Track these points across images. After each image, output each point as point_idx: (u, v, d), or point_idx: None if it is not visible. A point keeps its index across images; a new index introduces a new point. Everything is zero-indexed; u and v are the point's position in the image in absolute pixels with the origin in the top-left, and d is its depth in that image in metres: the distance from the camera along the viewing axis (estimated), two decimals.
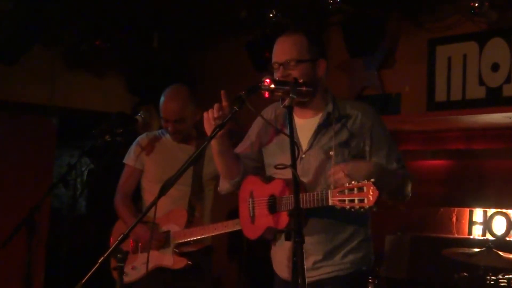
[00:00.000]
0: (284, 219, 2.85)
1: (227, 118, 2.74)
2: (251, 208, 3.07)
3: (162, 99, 4.26)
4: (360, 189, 2.55)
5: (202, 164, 4.22)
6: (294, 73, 2.90)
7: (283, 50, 2.97)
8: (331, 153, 2.88)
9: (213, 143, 3.01)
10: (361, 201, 2.54)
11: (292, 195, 2.73)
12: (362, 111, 2.97)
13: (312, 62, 2.94)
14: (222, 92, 2.91)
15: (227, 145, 3.06)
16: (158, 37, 6.22)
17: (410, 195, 2.99)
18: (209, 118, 2.89)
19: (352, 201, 2.56)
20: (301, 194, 2.71)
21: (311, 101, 2.96)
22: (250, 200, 3.08)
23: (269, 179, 3.03)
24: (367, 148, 2.93)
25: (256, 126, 3.17)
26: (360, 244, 2.98)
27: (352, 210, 2.58)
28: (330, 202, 2.65)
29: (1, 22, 5.53)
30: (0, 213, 5.79)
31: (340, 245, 2.94)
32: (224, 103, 2.87)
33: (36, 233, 4.04)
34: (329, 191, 2.67)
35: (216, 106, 2.87)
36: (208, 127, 2.90)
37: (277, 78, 2.86)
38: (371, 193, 2.53)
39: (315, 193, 2.74)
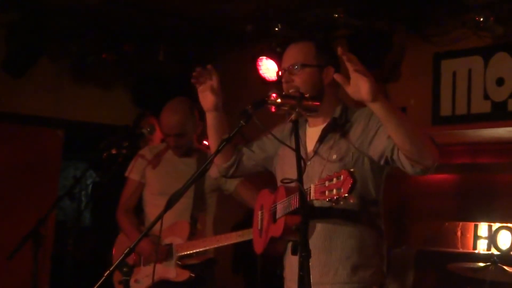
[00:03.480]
0: (280, 225, 2.79)
1: (234, 132, 2.74)
2: (260, 222, 3.05)
3: (162, 113, 4.28)
4: (338, 178, 2.43)
5: (204, 176, 4.23)
6: (298, 78, 2.90)
7: (289, 55, 2.99)
8: (334, 156, 2.85)
9: (209, 116, 3.10)
10: (338, 190, 2.41)
11: (287, 198, 2.75)
12: (366, 112, 2.88)
13: (319, 68, 2.92)
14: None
15: (222, 121, 3.11)
16: (164, 50, 6.24)
17: (435, 161, 2.63)
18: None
19: (331, 191, 2.44)
20: (290, 196, 2.71)
21: (320, 109, 2.93)
22: (260, 213, 3.07)
23: (274, 189, 3.00)
24: (371, 148, 2.80)
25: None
26: (369, 260, 2.85)
27: (333, 203, 2.45)
28: (313, 196, 2.55)
29: (8, 35, 5.56)
30: (6, 225, 5.79)
31: (346, 257, 2.82)
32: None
33: (41, 245, 4.06)
34: (311, 186, 2.57)
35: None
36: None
37: (283, 92, 2.86)
38: (346, 181, 2.39)
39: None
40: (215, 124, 3.11)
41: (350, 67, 2.57)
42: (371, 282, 2.86)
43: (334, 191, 2.43)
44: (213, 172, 3.24)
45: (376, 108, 2.59)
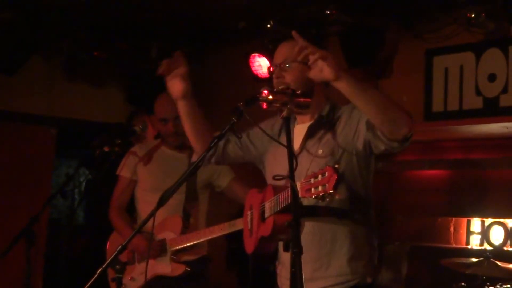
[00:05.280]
0: (269, 225, 2.79)
1: (226, 129, 2.74)
2: (249, 222, 3.05)
3: (158, 101, 4.30)
4: (323, 175, 2.43)
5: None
6: (289, 75, 2.91)
7: (281, 52, 3.01)
8: (320, 151, 2.86)
9: (180, 104, 3.07)
10: (324, 187, 2.41)
11: (274, 197, 2.74)
12: (349, 107, 2.91)
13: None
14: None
15: (193, 107, 3.08)
16: (156, 47, 6.23)
17: (411, 129, 2.65)
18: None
19: (316, 188, 2.44)
20: (278, 195, 2.70)
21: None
22: (249, 213, 3.06)
23: (262, 188, 3.00)
24: (355, 136, 2.83)
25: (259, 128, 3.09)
26: (361, 250, 2.87)
27: (319, 200, 2.44)
28: (300, 194, 2.54)
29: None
30: None
31: (337, 250, 2.84)
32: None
33: (34, 244, 4.04)
34: (298, 183, 2.55)
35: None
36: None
37: (275, 89, 2.87)
38: (331, 177, 2.38)
39: (287, 190, 2.62)
40: (187, 112, 3.10)
41: (307, 52, 2.55)
42: (365, 272, 2.88)
43: (320, 187, 2.42)
44: (194, 158, 3.20)
45: (342, 86, 2.58)
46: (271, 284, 3.14)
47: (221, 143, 3.16)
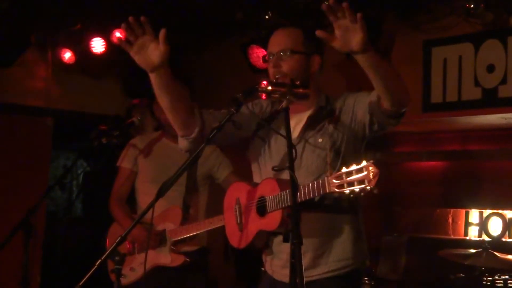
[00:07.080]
0: (275, 219, 2.78)
1: (225, 120, 2.72)
2: (238, 215, 3.00)
3: None
4: (359, 171, 2.45)
5: (196, 164, 4.23)
6: (286, 64, 2.91)
7: (278, 40, 2.99)
8: (320, 140, 2.88)
9: (158, 74, 2.81)
10: (361, 183, 2.43)
11: (282, 192, 2.73)
12: (342, 96, 2.98)
13: (306, 56, 2.94)
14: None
15: (170, 74, 2.83)
16: None
17: (407, 104, 2.73)
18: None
19: (351, 184, 2.46)
20: (287, 190, 2.69)
21: None
22: (237, 206, 3.02)
23: (256, 183, 2.98)
24: (352, 121, 2.89)
25: (244, 108, 3.01)
26: (359, 234, 2.92)
27: (351, 195, 2.48)
28: (328, 190, 2.56)
29: None
30: None
31: (338, 236, 2.87)
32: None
33: (32, 236, 4.04)
34: (325, 178, 2.59)
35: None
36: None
37: (273, 80, 2.86)
38: (372, 173, 2.41)
39: (311, 183, 2.65)
40: (166, 83, 2.85)
41: (348, 17, 2.51)
42: (364, 256, 2.95)
43: (356, 184, 2.46)
44: (182, 145, 3.04)
45: (366, 57, 2.57)
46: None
47: (202, 121, 2.95)
